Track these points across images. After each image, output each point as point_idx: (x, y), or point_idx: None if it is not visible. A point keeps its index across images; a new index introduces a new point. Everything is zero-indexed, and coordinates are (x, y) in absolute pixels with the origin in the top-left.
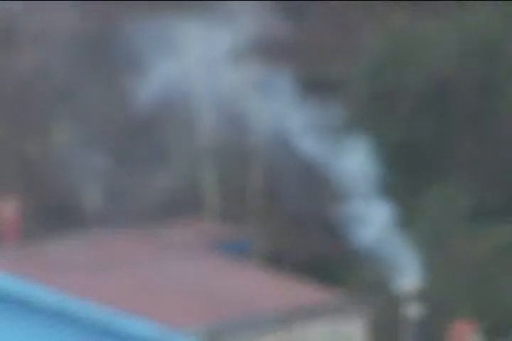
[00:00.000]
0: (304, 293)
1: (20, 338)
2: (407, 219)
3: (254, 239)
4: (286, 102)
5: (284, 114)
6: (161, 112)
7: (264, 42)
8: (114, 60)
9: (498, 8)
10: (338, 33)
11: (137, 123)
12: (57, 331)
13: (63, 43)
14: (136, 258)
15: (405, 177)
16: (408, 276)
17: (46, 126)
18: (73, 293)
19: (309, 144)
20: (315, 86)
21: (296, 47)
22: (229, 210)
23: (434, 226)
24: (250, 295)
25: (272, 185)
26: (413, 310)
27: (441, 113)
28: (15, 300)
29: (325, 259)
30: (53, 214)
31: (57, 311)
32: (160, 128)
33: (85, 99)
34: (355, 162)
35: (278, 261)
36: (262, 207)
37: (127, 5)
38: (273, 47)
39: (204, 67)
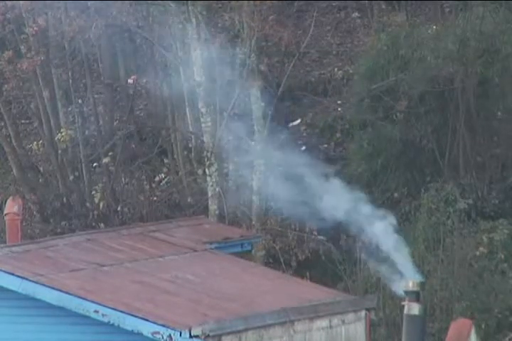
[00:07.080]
0: (305, 292)
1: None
2: (407, 218)
3: (255, 239)
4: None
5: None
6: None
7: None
8: None
9: (498, 8)
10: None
11: None
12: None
13: None
14: (136, 258)
15: (405, 176)
16: (408, 275)
17: None
18: (74, 292)
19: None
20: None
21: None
22: (229, 210)
23: (433, 225)
24: (251, 294)
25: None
26: (413, 309)
27: (440, 113)
28: (17, 298)
29: (325, 258)
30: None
31: (58, 309)
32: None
33: None
34: (354, 161)
35: (278, 260)
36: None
37: None
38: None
39: None
